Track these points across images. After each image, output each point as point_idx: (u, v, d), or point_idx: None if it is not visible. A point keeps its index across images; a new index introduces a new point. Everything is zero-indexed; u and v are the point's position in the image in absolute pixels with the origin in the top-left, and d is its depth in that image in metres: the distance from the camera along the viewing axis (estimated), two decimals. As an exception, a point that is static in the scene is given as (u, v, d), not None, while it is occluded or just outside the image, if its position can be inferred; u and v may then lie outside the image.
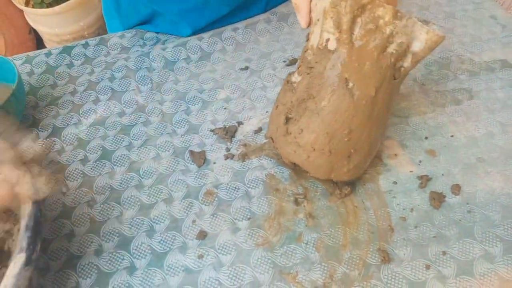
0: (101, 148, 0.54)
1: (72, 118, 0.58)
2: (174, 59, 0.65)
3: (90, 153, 0.54)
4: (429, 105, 0.58)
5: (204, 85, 0.62)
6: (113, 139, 0.55)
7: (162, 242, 0.46)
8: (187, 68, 0.64)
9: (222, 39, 0.67)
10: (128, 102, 0.60)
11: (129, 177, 0.51)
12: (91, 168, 0.52)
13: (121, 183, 0.51)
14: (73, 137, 0.55)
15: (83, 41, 0.67)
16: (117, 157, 0.53)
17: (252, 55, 0.65)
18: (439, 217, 0.48)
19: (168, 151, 0.54)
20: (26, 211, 0.35)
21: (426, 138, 0.54)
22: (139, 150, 0.54)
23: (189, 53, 0.66)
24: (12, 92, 0.51)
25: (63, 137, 0.55)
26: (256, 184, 0.50)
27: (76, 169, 0.52)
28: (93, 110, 0.59)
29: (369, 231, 0.46)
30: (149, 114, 0.58)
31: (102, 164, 0.53)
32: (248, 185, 0.50)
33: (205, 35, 0.68)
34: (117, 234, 0.47)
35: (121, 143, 0.55)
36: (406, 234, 0.46)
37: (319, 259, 0.45)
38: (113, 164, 0.53)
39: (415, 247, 0.45)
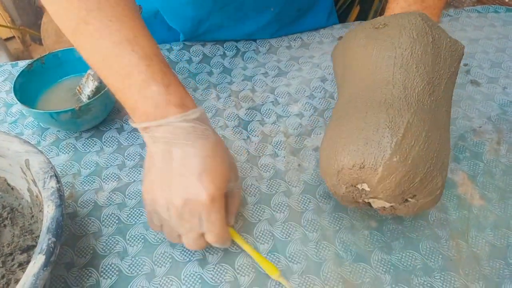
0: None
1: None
2: (252, 74, 0.66)
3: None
4: (503, 143, 0.55)
5: (279, 99, 0.62)
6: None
7: (183, 252, 0.46)
8: (263, 81, 0.65)
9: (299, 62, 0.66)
10: (209, 108, 0.61)
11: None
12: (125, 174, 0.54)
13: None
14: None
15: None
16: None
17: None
18: None
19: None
20: (49, 214, 0.37)
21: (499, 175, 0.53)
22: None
23: (267, 69, 0.67)
24: None
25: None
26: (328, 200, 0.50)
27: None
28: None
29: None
30: (226, 119, 0.60)
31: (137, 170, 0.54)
32: (319, 200, 0.50)
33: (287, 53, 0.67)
34: (142, 240, 0.47)
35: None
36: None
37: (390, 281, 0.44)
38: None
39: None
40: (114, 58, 0.39)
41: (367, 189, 0.40)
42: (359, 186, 0.40)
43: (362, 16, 0.91)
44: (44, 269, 0.35)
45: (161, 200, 0.40)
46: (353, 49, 0.46)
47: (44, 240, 0.36)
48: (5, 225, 0.47)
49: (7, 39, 1.75)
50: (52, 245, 0.36)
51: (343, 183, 0.41)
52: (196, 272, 0.44)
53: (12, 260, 0.44)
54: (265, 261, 0.44)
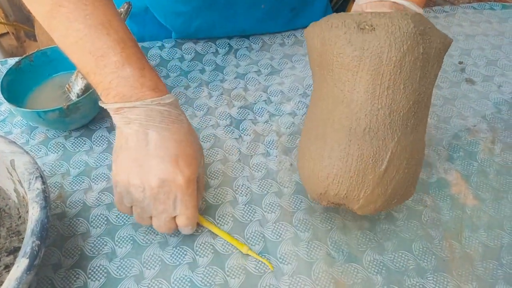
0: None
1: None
2: (245, 72, 0.66)
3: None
4: (497, 142, 0.54)
5: (272, 97, 0.62)
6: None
7: (173, 255, 0.45)
8: (256, 79, 0.64)
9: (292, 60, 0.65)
10: (200, 106, 0.61)
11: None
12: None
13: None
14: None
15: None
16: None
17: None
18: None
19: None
20: (33, 216, 0.36)
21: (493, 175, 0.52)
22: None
23: (260, 67, 0.66)
24: None
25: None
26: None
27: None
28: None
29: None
30: (218, 118, 0.59)
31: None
32: (311, 199, 0.49)
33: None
34: (131, 241, 0.46)
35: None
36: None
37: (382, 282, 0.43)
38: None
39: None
40: (89, 40, 0.39)
41: (347, 207, 0.42)
42: (339, 204, 0.42)
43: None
44: (28, 273, 0.34)
45: (136, 181, 0.40)
46: (334, 51, 0.40)
47: (28, 243, 0.35)
48: (-8, 226, 0.46)
49: (1, 35, 1.73)
50: (36, 248, 0.35)
51: (324, 201, 0.42)
52: (186, 276, 0.44)
53: (-1, 262, 0.44)
54: (232, 239, 0.46)
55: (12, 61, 0.67)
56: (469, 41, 0.70)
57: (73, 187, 0.51)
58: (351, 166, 0.39)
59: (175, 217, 0.42)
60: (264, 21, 0.69)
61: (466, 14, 0.75)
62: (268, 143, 0.56)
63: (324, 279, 0.43)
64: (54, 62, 0.59)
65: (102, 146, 0.55)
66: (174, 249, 0.46)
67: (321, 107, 0.43)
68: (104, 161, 0.54)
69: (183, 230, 0.44)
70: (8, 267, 0.43)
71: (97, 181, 0.52)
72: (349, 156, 0.39)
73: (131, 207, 0.43)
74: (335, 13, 0.41)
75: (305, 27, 0.71)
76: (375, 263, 0.44)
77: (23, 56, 0.56)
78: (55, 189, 0.51)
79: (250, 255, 0.45)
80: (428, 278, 0.43)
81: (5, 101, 0.51)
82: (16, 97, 0.54)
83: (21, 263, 0.34)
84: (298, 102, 0.61)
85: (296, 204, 0.49)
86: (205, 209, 0.49)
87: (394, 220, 0.48)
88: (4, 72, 0.54)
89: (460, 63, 0.66)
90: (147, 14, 0.70)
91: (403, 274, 0.44)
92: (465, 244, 0.46)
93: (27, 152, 0.43)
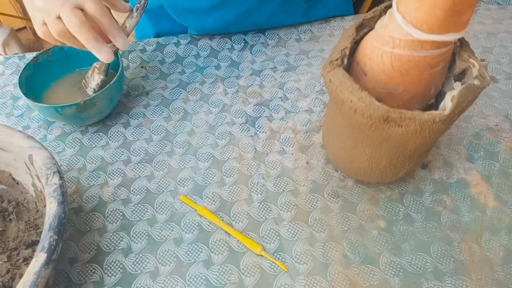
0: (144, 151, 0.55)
1: (163, 112, 0.59)
2: (261, 68, 0.65)
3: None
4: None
5: (288, 94, 0.61)
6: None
7: (188, 252, 0.45)
8: (272, 76, 0.64)
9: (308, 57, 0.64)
10: (216, 103, 0.60)
11: (167, 182, 0.51)
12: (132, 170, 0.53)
13: (158, 186, 0.51)
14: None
15: (175, 40, 0.70)
16: (159, 162, 0.54)
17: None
18: None
19: (249, 153, 0.54)
20: (51, 211, 0.36)
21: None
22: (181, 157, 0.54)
23: (275, 64, 0.65)
24: (116, 78, 0.53)
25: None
26: (336, 200, 0.49)
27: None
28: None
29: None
30: (234, 115, 0.59)
31: (143, 166, 0.53)
32: (328, 199, 0.49)
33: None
34: (146, 237, 0.47)
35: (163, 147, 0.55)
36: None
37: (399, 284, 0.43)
38: (154, 169, 0.53)
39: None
40: None
41: None
42: None
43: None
44: (46, 267, 0.34)
45: None
46: (360, 129, 0.39)
47: (46, 238, 0.35)
48: (10, 220, 0.47)
49: (19, 30, 1.75)
50: (54, 243, 0.35)
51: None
52: (201, 273, 0.44)
53: (17, 255, 0.44)
54: (246, 238, 0.46)
55: (30, 56, 0.68)
56: (491, 39, 0.68)
57: (90, 182, 0.52)
58: (373, 176, 0.46)
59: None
60: (279, 13, 0.68)
61: (489, 11, 0.73)
62: (284, 140, 0.55)
63: (340, 281, 0.43)
64: (71, 58, 0.59)
65: (118, 142, 0.56)
66: (189, 245, 0.46)
67: (344, 137, 0.44)
68: (120, 156, 0.54)
69: (104, 24, 0.47)
70: (26, 260, 0.43)
71: (113, 177, 0.52)
72: (372, 171, 0.45)
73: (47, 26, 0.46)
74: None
75: (322, 19, 0.71)
76: (392, 265, 0.44)
77: (41, 51, 0.57)
78: (72, 184, 0.51)
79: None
80: (446, 282, 0.42)
81: (23, 95, 0.52)
82: (34, 92, 0.55)
83: (39, 258, 0.34)
84: (315, 99, 0.60)
85: (312, 204, 0.48)
86: (219, 207, 0.49)
87: (412, 221, 0.47)
88: (23, 67, 0.55)
89: (482, 60, 0.64)
90: (162, 10, 0.70)
91: (420, 277, 0.43)
92: (485, 247, 0.45)
93: (45, 147, 0.43)
